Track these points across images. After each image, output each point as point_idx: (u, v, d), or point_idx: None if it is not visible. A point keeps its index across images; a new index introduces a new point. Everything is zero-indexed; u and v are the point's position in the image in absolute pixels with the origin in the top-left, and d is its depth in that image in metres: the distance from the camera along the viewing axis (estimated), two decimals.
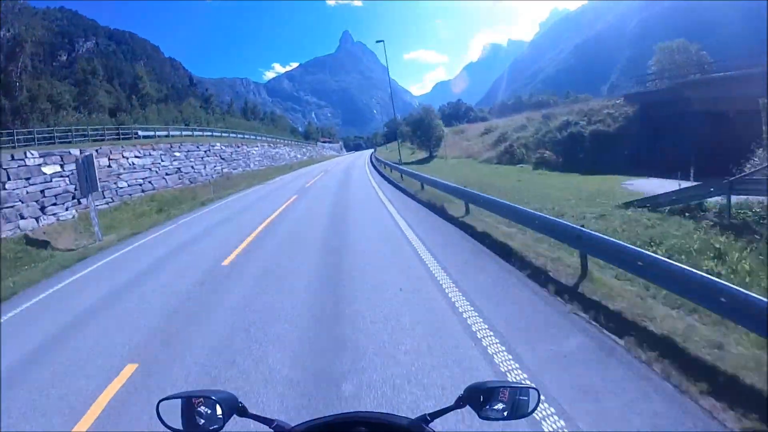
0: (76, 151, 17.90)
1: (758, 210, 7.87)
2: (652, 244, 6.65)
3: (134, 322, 5.24)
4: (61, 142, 21.15)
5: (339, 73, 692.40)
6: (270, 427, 0.98)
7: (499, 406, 0.98)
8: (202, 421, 0.96)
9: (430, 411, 1.00)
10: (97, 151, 19.25)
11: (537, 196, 12.13)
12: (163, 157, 24.70)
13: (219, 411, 0.94)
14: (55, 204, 16.03)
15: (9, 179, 14.60)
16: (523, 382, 1.01)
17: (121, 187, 20.47)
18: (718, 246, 6.26)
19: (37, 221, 15.04)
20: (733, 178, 8.29)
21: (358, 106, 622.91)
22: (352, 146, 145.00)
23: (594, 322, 3.94)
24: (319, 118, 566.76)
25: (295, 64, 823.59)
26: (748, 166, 11.60)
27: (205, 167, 29.28)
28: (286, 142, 61.86)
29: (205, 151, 30.28)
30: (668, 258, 4.17)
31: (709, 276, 3.36)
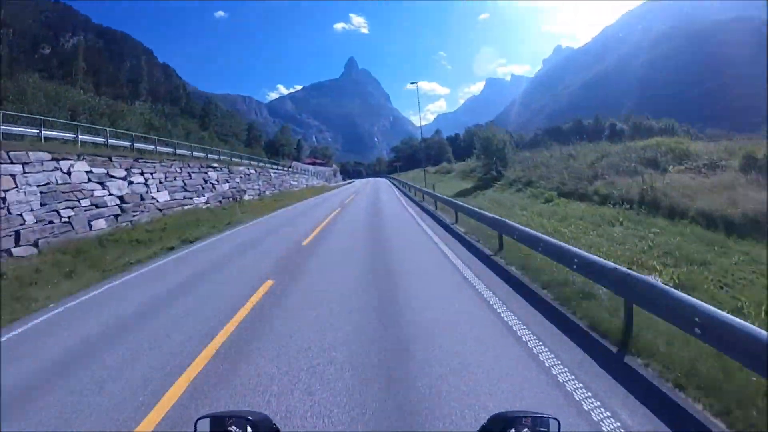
0: None
1: None
2: None
3: None
4: None
5: (342, 98, 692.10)
6: None
7: None
8: None
9: None
10: None
11: None
12: None
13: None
14: None
15: None
16: (544, 412, 0.97)
17: None
18: None
19: None
20: None
21: (359, 132, 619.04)
22: (352, 172, 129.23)
23: None
24: (319, 141, 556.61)
25: (299, 87, 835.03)
26: None
27: None
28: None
29: None
30: None
31: None
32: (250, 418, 0.96)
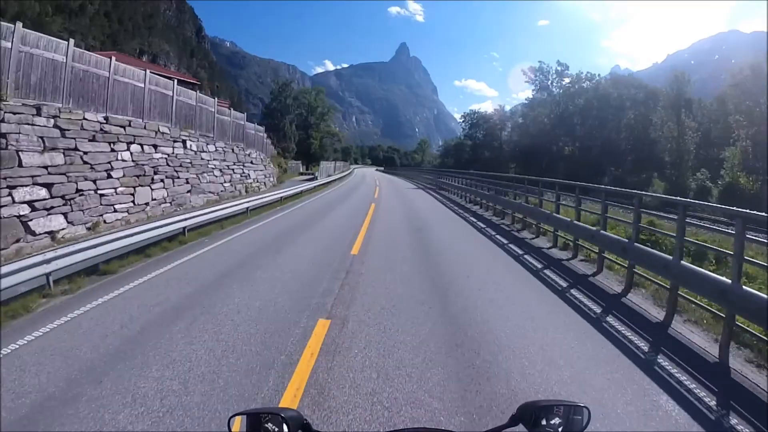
0: None
1: None
2: None
3: None
4: None
5: (388, 82, 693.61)
6: None
7: (553, 422, 0.99)
8: None
9: (486, 430, 1.02)
10: None
11: None
12: None
13: (285, 428, 0.96)
14: None
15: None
16: (576, 401, 1.03)
17: None
18: None
19: None
20: None
21: (400, 119, 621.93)
22: (382, 159, 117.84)
23: None
24: (359, 122, 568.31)
25: (345, 65, 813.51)
26: None
27: None
28: None
29: None
30: None
31: None
32: (281, 415, 0.96)
